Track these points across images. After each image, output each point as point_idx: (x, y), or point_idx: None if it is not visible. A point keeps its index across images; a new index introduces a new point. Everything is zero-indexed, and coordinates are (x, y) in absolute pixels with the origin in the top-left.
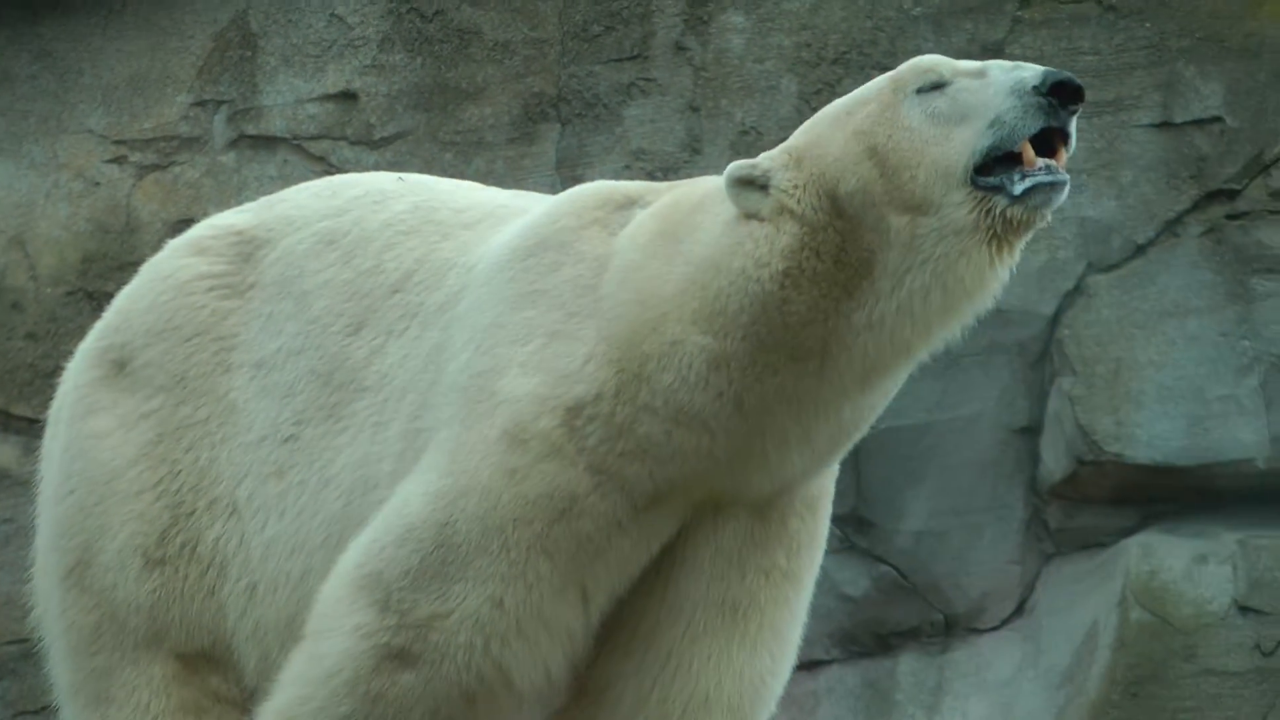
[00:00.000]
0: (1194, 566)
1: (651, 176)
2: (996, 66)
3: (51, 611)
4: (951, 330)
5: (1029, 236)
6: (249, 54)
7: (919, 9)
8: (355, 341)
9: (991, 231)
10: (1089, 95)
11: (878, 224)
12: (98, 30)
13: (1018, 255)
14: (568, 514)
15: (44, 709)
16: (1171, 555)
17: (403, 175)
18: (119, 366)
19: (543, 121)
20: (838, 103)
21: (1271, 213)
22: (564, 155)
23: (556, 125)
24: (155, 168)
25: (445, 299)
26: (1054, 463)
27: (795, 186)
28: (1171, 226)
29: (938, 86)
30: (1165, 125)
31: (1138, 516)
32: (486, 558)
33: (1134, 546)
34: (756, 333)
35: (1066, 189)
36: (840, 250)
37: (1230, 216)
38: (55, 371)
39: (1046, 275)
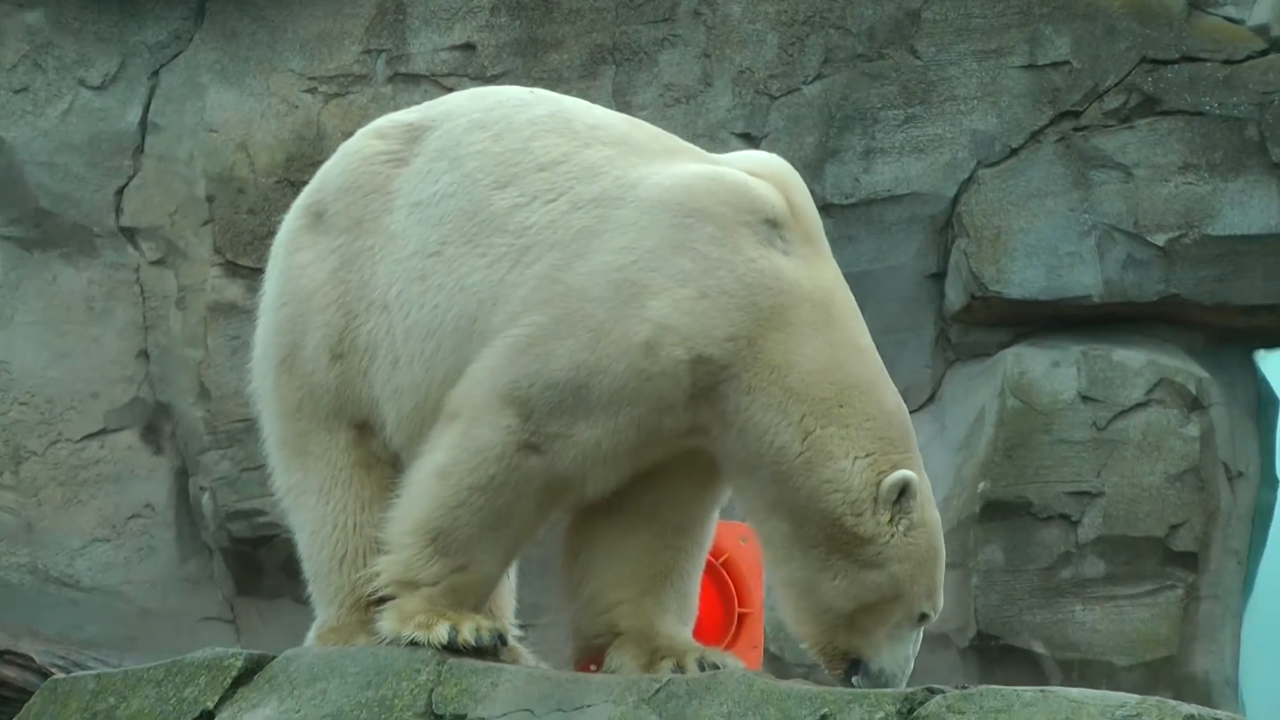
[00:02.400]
0: (1050, 369)
1: (679, 101)
2: (909, 664)
3: (266, 388)
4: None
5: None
6: (400, 18)
7: None
8: (500, 194)
9: (823, 654)
10: (983, 44)
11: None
12: (296, 1)
13: None
14: (661, 412)
15: (259, 467)
16: (1035, 361)
17: (533, 89)
18: (318, 216)
19: (603, 64)
20: (934, 549)
21: (1104, 127)
22: (618, 88)
23: (612, 67)
24: (337, 96)
25: (599, 194)
26: (954, 298)
27: (892, 537)
28: (1035, 136)
29: (924, 620)
30: (1030, 66)
31: (1012, 335)
32: (604, 414)
33: (1009, 356)
34: (797, 490)
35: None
36: (833, 538)
37: (1075, 129)
38: (268, 235)
39: (949, 169)
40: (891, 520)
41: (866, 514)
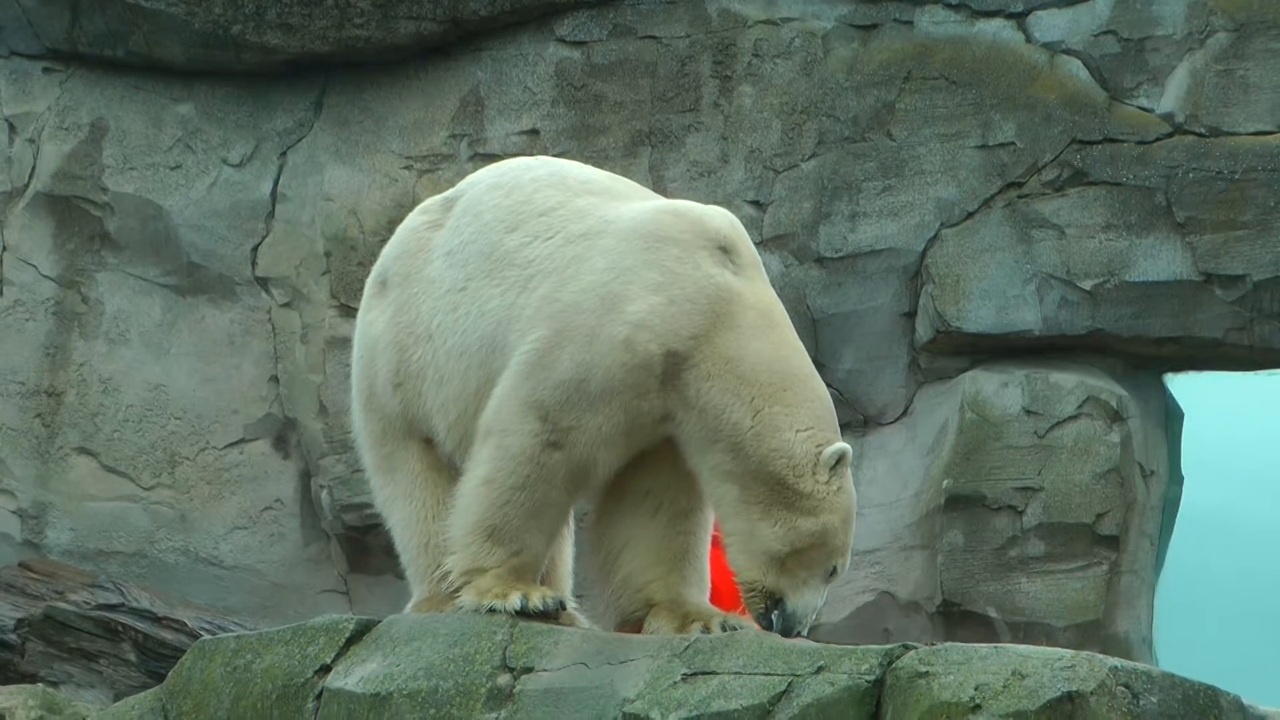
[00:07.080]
0: (1000, 389)
1: (702, 176)
2: (815, 613)
3: (359, 427)
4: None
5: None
6: (479, 109)
7: (848, 82)
8: (510, 236)
9: (750, 592)
10: (945, 129)
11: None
12: (396, 96)
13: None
14: (641, 396)
15: (361, 470)
16: (988, 382)
17: (539, 156)
18: (382, 284)
19: (641, 146)
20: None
21: (1042, 195)
22: (653, 165)
23: (649, 148)
24: (428, 171)
25: (586, 230)
26: (923, 332)
27: (827, 494)
28: (987, 203)
29: (833, 576)
30: (983, 146)
31: (969, 362)
32: (601, 402)
33: (967, 379)
34: (751, 454)
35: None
36: (776, 493)
37: (1019, 197)
38: None
39: (918, 229)
40: (828, 481)
41: (806, 475)
